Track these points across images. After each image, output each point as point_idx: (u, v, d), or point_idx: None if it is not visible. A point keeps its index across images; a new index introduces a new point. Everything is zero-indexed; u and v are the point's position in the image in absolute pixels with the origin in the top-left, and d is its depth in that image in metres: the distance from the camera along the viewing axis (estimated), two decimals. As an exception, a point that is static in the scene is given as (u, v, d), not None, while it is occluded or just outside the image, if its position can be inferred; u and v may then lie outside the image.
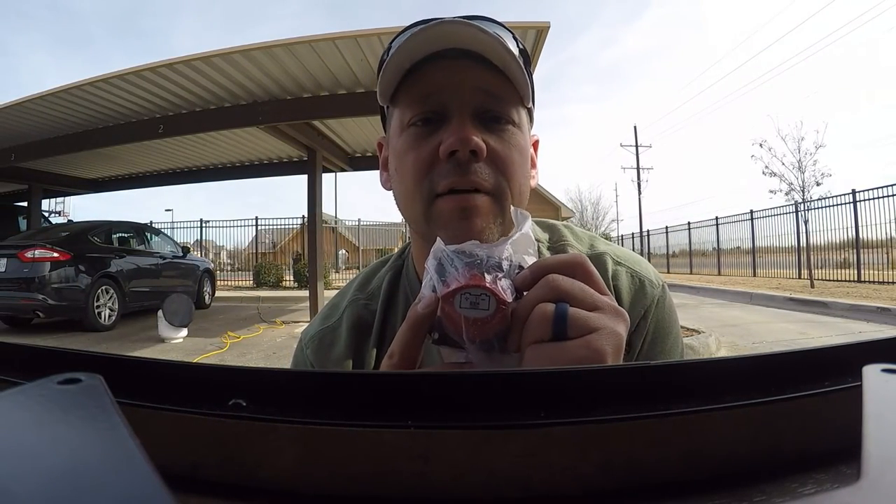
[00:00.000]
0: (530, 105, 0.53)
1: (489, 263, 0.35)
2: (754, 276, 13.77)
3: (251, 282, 13.56)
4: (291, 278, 13.02)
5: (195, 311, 6.37)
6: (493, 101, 0.49)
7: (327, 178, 8.85)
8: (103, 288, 6.63)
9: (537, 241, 0.56)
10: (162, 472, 0.15)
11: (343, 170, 9.16)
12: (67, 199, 16.48)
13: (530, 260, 0.37)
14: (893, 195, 9.61)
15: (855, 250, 10.43)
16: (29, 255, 6.01)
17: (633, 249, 17.03)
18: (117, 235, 7.62)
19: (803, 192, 10.72)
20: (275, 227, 14.83)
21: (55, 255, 6.13)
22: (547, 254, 0.59)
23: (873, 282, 9.68)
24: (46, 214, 12.60)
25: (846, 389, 0.23)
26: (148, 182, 10.61)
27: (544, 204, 19.38)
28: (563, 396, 0.23)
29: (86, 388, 0.20)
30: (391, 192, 0.55)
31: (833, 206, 10.96)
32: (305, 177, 7.77)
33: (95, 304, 6.46)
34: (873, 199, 10.06)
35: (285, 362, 3.30)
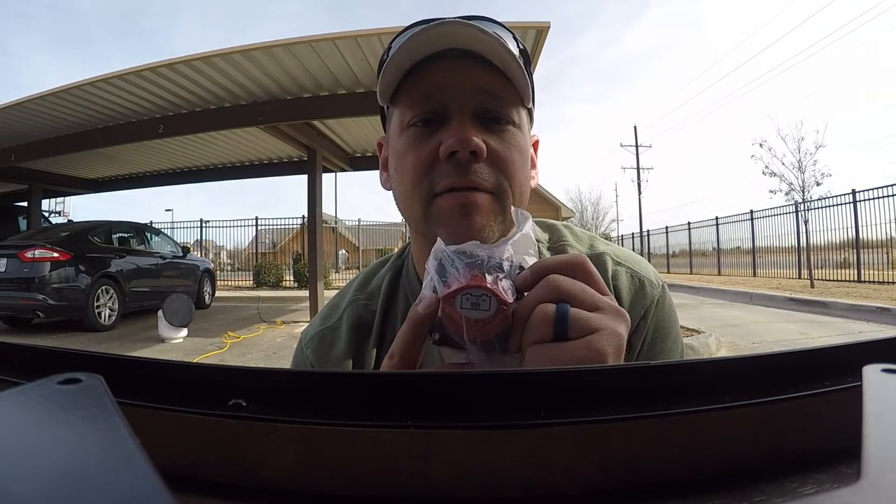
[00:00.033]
0: (530, 105, 0.53)
1: (490, 264, 0.35)
2: (754, 276, 13.76)
3: (251, 282, 13.55)
4: (291, 278, 13.02)
5: (195, 311, 6.37)
6: (493, 101, 0.49)
7: (327, 178, 8.86)
8: (103, 288, 6.63)
9: (537, 241, 0.56)
10: (162, 472, 0.15)
11: (343, 170, 9.16)
12: (67, 199, 16.52)
13: (531, 260, 0.37)
14: (893, 195, 9.61)
15: (855, 250, 10.43)
16: (29, 255, 6.00)
17: (634, 249, 17.02)
18: (117, 235, 7.62)
19: (803, 192, 10.72)
20: (275, 227, 14.83)
21: (55, 255, 6.13)
22: (547, 254, 0.59)
23: (873, 282, 9.68)
24: (46, 214, 12.59)
25: (846, 389, 0.23)
26: (148, 182, 10.60)
27: (544, 204, 19.38)
28: (564, 396, 0.23)
29: (86, 388, 0.20)
30: (391, 192, 0.55)
31: (833, 206, 10.95)
32: (305, 177, 7.77)
33: (95, 304, 6.46)
34: (873, 199, 10.06)
35: (285, 362, 3.29)
